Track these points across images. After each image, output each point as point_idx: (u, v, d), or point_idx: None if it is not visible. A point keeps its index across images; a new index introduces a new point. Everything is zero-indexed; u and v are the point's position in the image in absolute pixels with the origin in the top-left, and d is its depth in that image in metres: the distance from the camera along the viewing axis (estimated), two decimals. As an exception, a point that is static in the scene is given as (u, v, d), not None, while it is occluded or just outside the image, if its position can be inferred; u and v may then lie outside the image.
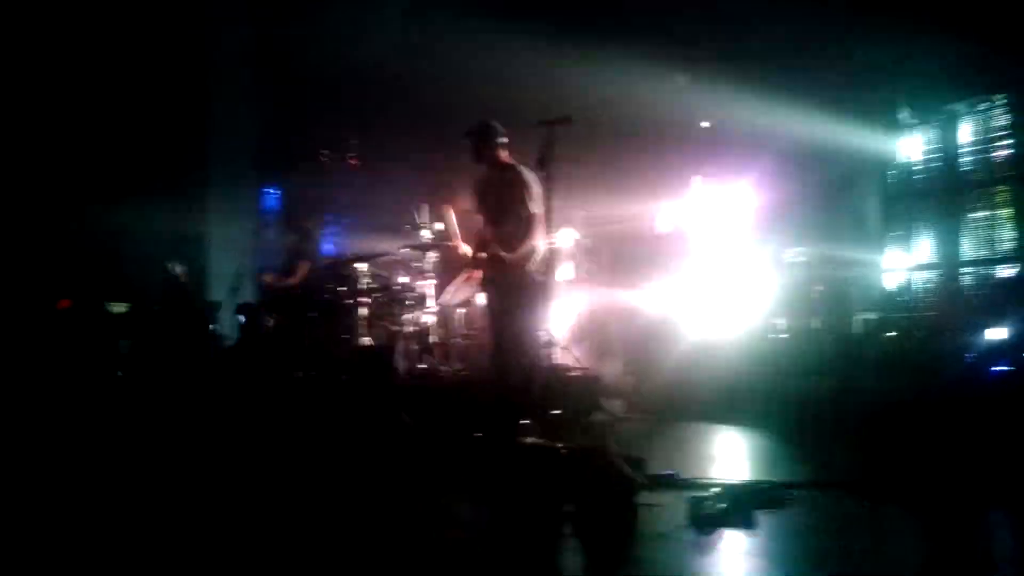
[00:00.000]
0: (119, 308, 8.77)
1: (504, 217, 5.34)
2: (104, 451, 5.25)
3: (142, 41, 10.12)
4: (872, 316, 8.00)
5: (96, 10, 9.59)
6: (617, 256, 9.07)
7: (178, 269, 9.70)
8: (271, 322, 7.76)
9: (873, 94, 8.58)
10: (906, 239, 8.87)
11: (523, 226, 5.23)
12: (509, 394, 5.19)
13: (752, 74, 8.31)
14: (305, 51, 10.98)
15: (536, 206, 5.16)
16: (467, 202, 6.74)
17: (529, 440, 4.67)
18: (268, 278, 7.65)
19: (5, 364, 7.40)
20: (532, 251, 5.24)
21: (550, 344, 5.42)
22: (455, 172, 6.87)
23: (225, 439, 5.60)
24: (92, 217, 9.89)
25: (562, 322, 7.50)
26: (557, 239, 6.32)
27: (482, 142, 5.42)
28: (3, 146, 9.50)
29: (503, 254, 5.25)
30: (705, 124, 9.39)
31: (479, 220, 5.68)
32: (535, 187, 5.20)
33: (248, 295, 8.80)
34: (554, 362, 6.11)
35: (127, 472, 4.70)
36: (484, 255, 5.45)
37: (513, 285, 5.28)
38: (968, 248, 8.35)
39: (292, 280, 7.58)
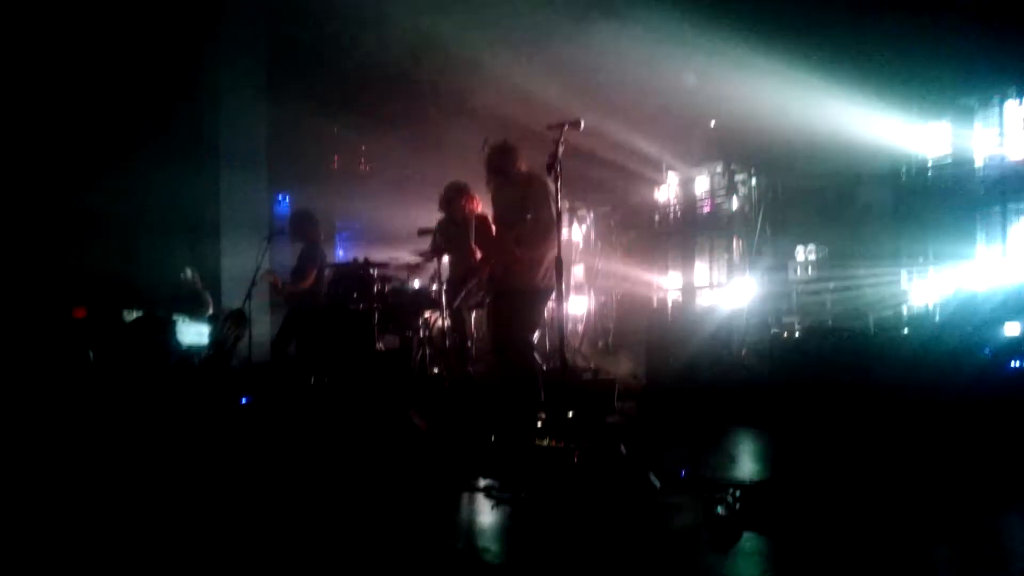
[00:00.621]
0: (134, 316, 8.86)
1: (519, 220, 5.40)
2: (120, 456, 5.29)
3: (155, 52, 10.23)
4: (888, 314, 7.97)
5: (110, 24, 9.69)
6: (626, 249, 9.12)
7: (190, 275, 9.82)
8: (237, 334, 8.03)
9: (896, 87, 8.52)
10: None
11: (538, 229, 5.28)
12: (516, 396, 5.24)
13: (769, 69, 8.32)
14: (317, 57, 11.09)
15: (551, 210, 5.20)
16: (477, 205, 6.81)
17: (544, 442, 4.69)
18: (273, 278, 7.69)
19: (22, 371, 7.48)
20: (545, 253, 5.29)
21: (562, 346, 5.43)
22: (469, 176, 6.93)
23: (241, 441, 5.65)
24: (105, 224, 10.00)
25: (573, 323, 7.51)
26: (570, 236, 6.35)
27: (504, 162, 5.52)
28: (22, 155, 9.61)
29: (516, 251, 5.32)
30: (712, 123, 9.43)
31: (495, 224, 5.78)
32: (551, 191, 5.25)
33: (262, 301, 8.90)
34: (567, 364, 6.13)
35: (141, 476, 4.74)
36: (496, 253, 5.56)
37: (520, 287, 5.34)
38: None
39: (303, 284, 7.64)
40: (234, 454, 5.36)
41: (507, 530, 3.70)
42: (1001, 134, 8.22)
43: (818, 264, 8.45)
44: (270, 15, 10.82)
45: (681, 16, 8.52)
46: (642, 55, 8.82)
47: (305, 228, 7.80)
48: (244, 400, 6.72)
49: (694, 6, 8.49)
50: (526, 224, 5.38)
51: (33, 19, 9.41)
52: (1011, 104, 8.14)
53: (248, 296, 7.77)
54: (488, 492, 4.15)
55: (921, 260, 8.72)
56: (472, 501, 4.11)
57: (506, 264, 5.44)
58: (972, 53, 7.84)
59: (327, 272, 7.67)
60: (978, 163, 8.44)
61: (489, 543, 3.53)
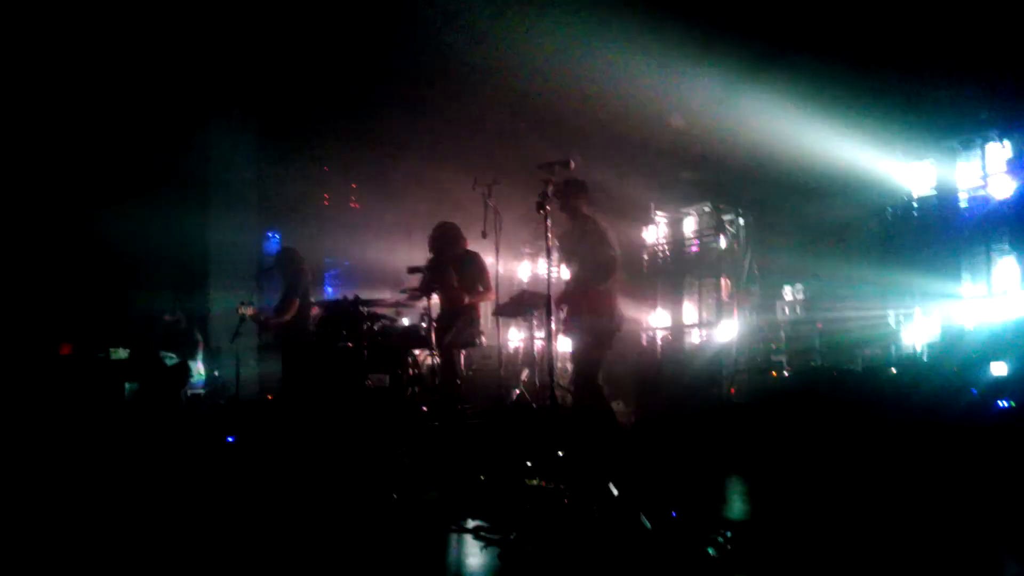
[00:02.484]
0: (120, 354, 8.77)
1: (582, 262, 5.67)
2: (109, 498, 5.21)
3: (145, 92, 10.29)
4: (875, 352, 7.99)
5: (102, 58, 9.76)
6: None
7: (178, 314, 9.79)
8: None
9: (880, 128, 8.66)
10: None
11: (601, 270, 5.52)
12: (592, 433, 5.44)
13: (754, 111, 8.45)
14: (307, 95, 11.18)
15: (612, 250, 5.41)
16: (466, 244, 6.85)
17: (533, 482, 4.66)
18: (251, 311, 7.59)
19: (6, 411, 7.37)
20: (607, 293, 5.54)
21: (552, 383, 5.43)
22: (459, 215, 6.97)
23: (228, 480, 5.58)
24: (93, 262, 9.96)
25: (563, 361, 7.51)
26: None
27: (572, 194, 5.75)
28: (8, 192, 9.60)
29: (578, 292, 5.60)
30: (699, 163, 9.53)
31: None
32: (610, 233, 5.52)
33: (251, 338, 8.83)
34: (557, 402, 6.13)
35: (133, 515, 4.66)
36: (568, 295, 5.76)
37: (589, 326, 5.56)
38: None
39: (285, 317, 7.62)
40: (221, 491, 5.29)
41: (496, 572, 3.65)
42: (984, 175, 8.34)
43: (806, 303, 8.49)
44: (262, 55, 10.92)
45: (671, 56, 8.65)
46: (630, 94, 8.94)
47: (289, 260, 7.85)
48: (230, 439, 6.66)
49: (684, 50, 8.62)
50: (583, 267, 5.62)
51: (24, 47, 9.43)
52: (992, 146, 8.28)
53: (236, 334, 7.72)
54: (477, 533, 4.11)
55: (908, 299, 8.78)
56: (461, 542, 4.06)
57: (577, 305, 5.65)
58: (954, 97, 8.00)
59: (316, 309, 7.65)
60: (962, 204, 8.55)
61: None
